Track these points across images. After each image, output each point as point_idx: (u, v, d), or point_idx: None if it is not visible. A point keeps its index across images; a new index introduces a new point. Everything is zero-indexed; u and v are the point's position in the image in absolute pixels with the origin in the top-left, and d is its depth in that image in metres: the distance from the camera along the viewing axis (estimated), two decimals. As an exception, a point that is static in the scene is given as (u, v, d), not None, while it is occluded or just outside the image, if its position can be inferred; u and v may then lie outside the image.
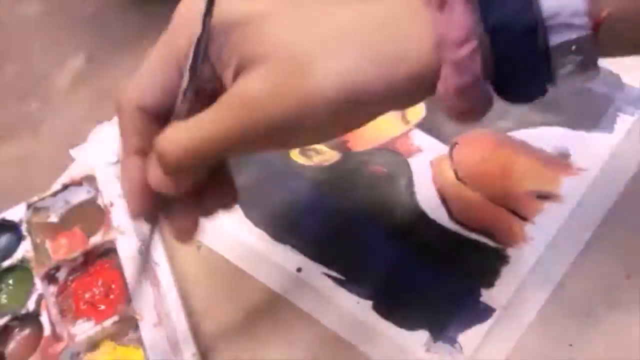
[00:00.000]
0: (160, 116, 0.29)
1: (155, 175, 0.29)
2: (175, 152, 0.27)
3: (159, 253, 0.40)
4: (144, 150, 0.30)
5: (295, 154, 0.43)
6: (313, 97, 0.26)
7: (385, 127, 0.42)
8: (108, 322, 0.38)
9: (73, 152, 0.47)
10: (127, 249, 0.40)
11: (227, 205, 0.32)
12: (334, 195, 0.41)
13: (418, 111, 0.42)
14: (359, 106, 0.26)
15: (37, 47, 0.54)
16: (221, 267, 0.40)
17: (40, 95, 0.51)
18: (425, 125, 0.42)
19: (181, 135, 0.27)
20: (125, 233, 0.41)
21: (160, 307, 0.38)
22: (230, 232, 0.41)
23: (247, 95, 0.26)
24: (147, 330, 0.37)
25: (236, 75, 0.27)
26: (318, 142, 0.38)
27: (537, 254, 0.36)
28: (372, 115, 0.28)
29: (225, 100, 0.27)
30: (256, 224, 0.41)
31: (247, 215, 0.41)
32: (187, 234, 0.32)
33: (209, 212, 0.32)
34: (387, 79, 0.26)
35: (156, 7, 0.50)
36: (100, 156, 0.45)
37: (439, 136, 0.41)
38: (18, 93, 0.52)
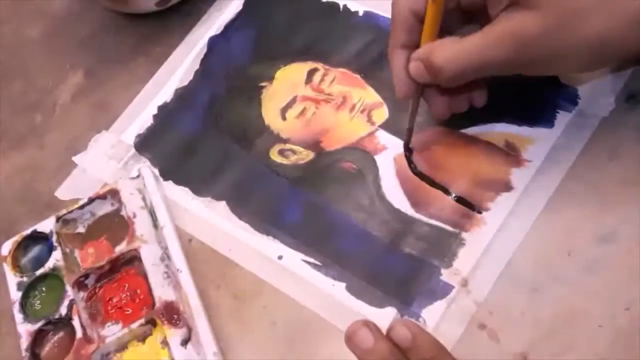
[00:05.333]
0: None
1: (417, 69, 0.35)
2: (446, 68, 0.34)
3: (180, 260, 0.41)
4: (408, 44, 0.37)
5: (274, 154, 0.45)
6: (577, 43, 0.32)
7: (354, 128, 0.44)
8: (135, 325, 0.39)
9: (75, 159, 0.49)
10: (150, 256, 0.41)
11: (476, 101, 0.39)
12: (310, 190, 0.43)
13: (382, 114, 0.44)
14: (607, 50, 0.32)
15: (40, 65, 0.56)
16: (211, 257, 0.43)
17: (44, 108, 0.53)
18: (388, 126, 0.44)
19: (452, 55, 0.34)
20: (148, 242, 0.42)
21: (182, 309, 0.39)
22: (218, 226, 0.44)
23: (523, 33, 0.32)
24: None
25: (501, 9, 0.33)
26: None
27: (489, 236, 0.38)
28: (614, 61, 0.36)
29: (497, 32, 0.33)
30: (241, 218, 0.43)
31: (233, 210, 0.44)
32: (440, 114, 0.39)
33: (459, 106, 0.39)
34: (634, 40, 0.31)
35: (147, 28, 0.53)
36: (108, 165, 0.47)
37: (401, 135, 0.42)
38: (24, 107, 0.54)
